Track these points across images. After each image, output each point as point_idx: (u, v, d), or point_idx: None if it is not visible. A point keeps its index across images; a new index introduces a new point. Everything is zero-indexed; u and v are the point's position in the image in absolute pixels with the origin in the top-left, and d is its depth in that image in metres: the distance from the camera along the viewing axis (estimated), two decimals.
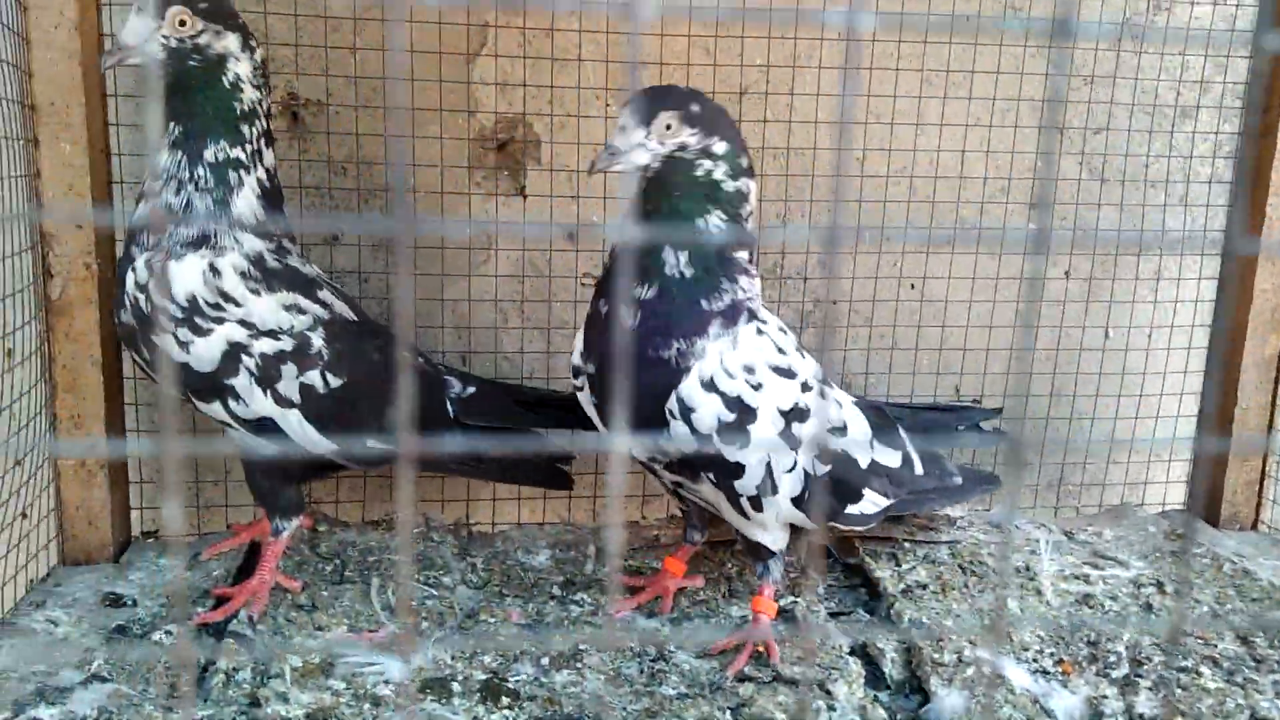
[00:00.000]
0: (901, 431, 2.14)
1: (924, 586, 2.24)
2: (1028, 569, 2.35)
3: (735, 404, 1.77)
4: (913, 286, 2.59)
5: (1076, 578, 2.34)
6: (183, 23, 1.78)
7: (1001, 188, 2.57)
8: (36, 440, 2.08)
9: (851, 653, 1.98)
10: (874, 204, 2.52)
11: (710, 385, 1.77)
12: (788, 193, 2.49)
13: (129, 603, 2.06)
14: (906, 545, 2.39)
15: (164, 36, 1.78)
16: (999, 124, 2.51)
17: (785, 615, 2.12)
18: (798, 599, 2.19)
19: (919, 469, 2.16)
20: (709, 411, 1.76)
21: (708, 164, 1.73)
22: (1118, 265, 2.65)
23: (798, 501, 1.87)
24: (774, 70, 2.42)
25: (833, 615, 2.18)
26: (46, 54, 2.01)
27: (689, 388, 1.77)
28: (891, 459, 2.09)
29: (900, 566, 2.31)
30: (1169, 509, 2.80)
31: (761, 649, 1.94)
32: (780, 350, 1.85)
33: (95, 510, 2.22)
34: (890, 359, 2.61)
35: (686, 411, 1.77)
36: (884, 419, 2.13)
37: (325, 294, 1.98)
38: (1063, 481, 2.77)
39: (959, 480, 2.28)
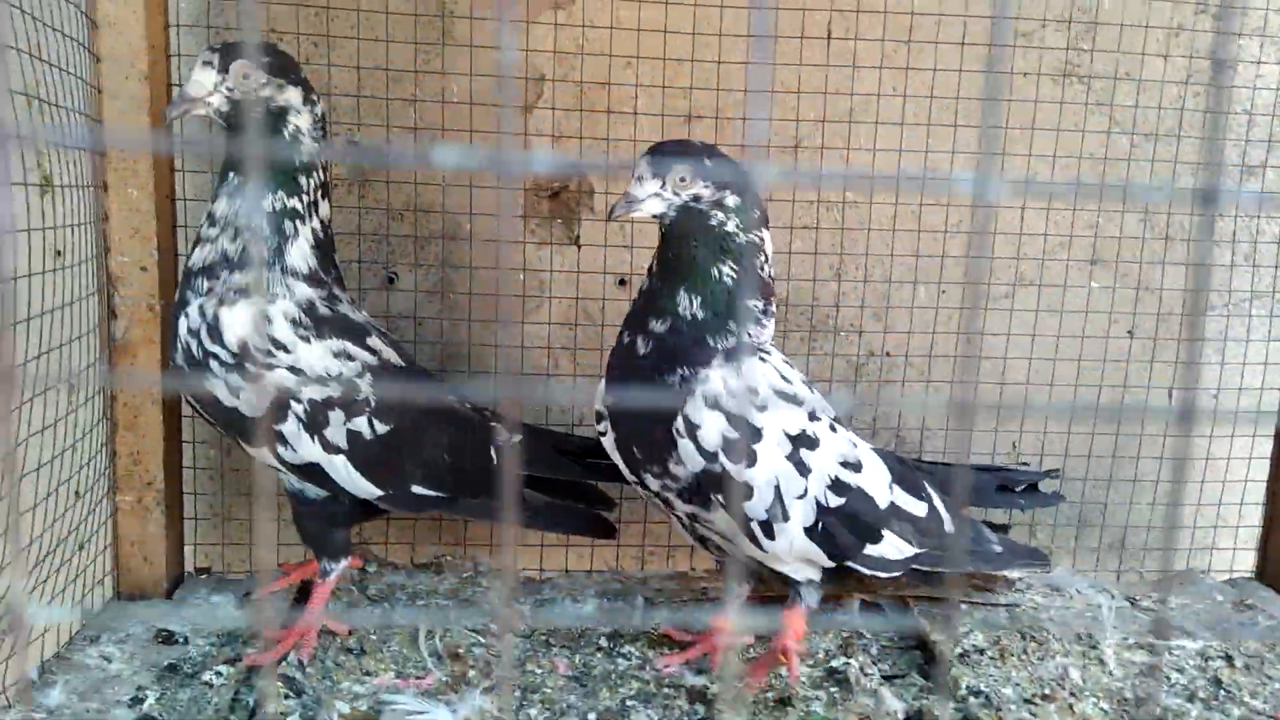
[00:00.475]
0: (929, 487, 2.11)
1: (981, 651, 2.18)
2: (1089, 636, 2.27)
3: (740, 423, 1.82)
4: (968, 340, 2.55)
5: (1141, 647, 2.25)
6: (247, 76, 1.82)
7: (1061, 244, 2.52)
8: (98, 476, 2.12)
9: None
10: (930, 259, 2.49)
11: (714, 404, 1.82)
12: (843, 246, 2.47)
13: (180, 640, 2.08)
14: (963, 607, 2.33)
15: (228, 89, 1.83)
16: (1059, 181, 2.48)
17: (836, 676, 2.07)
18: (850, 659, 2.13)
19: (949, 525, 2.11)
20: (714, 429, 1.81)
21: (720, 215, 1.81)
22: (1183, 325, 2.58)
23: (811, 532, 1.89)
24: (829, 125, 2.41)
25: (886, 679, 2.12)
26: (116, 103, 2.08)
27: (693, 406, 1.82)
28: (916, 507, 2.05)
29: (956, 630, 2.25)
30: (1236, 576, 2.69)
31: (783, 660, 1.99)
32: (784, 378, 1.91)
33: (150, 546, 2.25)
34: (947, 415, 2.57)
35: (692, 429, 1.82)
36: (908, 469, 2.09)
37: (375, 340, 2.00)
38: (1125, 545, 2.69)
39: (998, 549, 2.21)
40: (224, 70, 1.82)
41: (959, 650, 2.17)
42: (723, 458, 1.82)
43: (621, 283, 2.47)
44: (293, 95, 1.88)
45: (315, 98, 1.92)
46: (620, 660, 2.12)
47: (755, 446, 1.84)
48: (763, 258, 1.89)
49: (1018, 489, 2.35)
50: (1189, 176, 2.52)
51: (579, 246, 2.45)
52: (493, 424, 2.15)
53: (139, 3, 2.07)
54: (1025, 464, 2.41)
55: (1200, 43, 2.46)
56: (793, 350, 2.48)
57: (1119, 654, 2.22)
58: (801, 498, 1.88)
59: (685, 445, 1.83)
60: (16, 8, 1.81)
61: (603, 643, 2.19)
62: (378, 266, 2.42)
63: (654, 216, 1.81)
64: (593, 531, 2.25)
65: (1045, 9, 2.42)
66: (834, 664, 2.12)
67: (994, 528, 2.34)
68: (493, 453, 2.10)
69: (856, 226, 2.47)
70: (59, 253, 1.96)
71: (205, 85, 1.82)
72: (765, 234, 1.89)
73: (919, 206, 2.47)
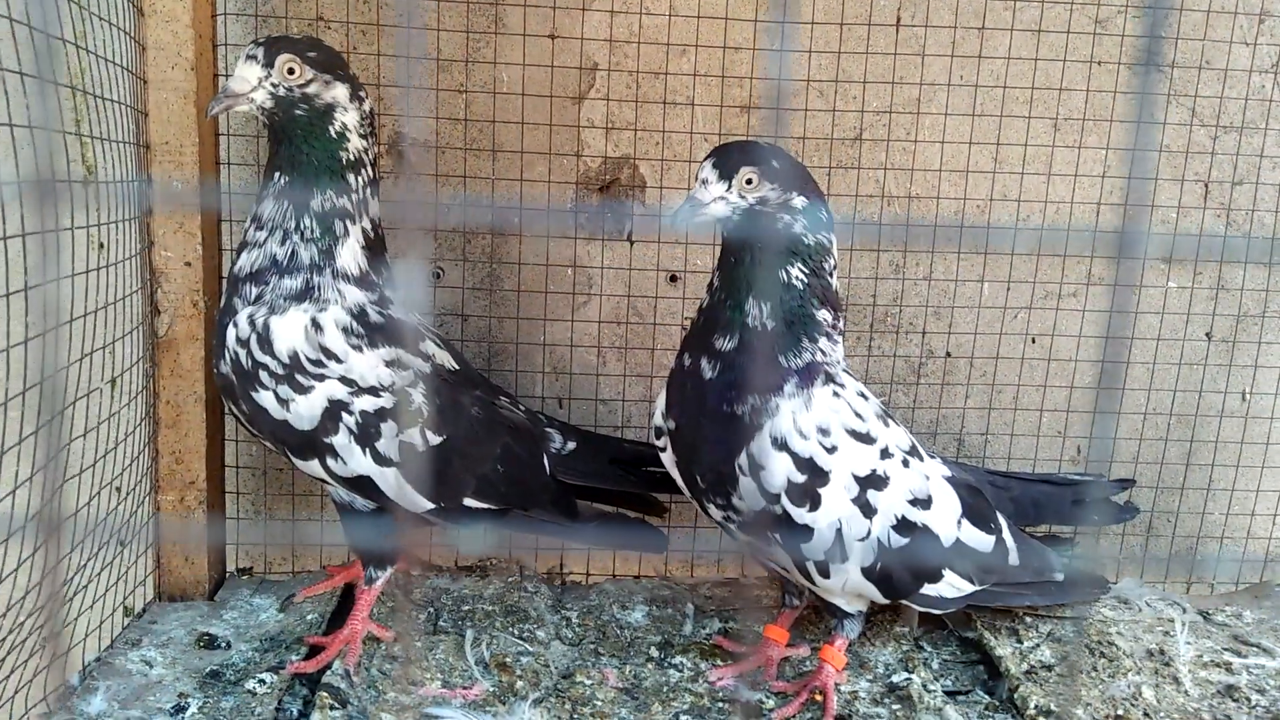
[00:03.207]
0: (1001, 519, 2.02)
1: (1049, 668, 2.08)
2: (1162, 653, 2.16)
3: (806, 465, 1.76)
4: (1033, 341, 2.44)
5: (1217, 665, 2.15)
6: (292, 71, 1.76)
7: (1134, 240, 2.41)
8: (140, 476, 2.07)
9: None
10: (1000, 255, 2.38)
11: (782, 444, 1.75)
12: (906, 243, 2.38)
13: (223, 645, 2.03)
14: (1028, 620, 2.23)
15: (272, 85, 1.76)
16: (1138, 174, 2.36)
17: (898, 692, 1.99)
18: (912, 674, 2.05)
19: (1014, 558, 2.02)
20: (779, 470, 1.75)
21: (788, 218, 1.74)
22: (1264, 327, 2.46)
23: (868, 573, 1.83)
24: (895, 115, 2.31)
25: (949, 695, 2.03)
26: (162, 94, 2.02)
27: (760, 445, 1.75)
28: (982, 542, 1.96)
29: (1022, 644, 2.16)
30: None
31: (819, 698, 1.91)
32: (858, 415, 1.83)
33: (192, 546, 2.21)
34: (1012, 419, 2.46)
35: (756, 469, 1.76)
36: (980, 499, 1.99)
37: (427, 344, 1.94)
38: (1196, 556, 2.57)
39: (1060, 577, 2.12)
40: (269, 65, 1.75)
41: (1025, 666, 2.08)
42: (785, 500, 1.76)
43: (673, 279, 2.39)
44: (339, 91, 1.81)
45: (363, 94, 1.85)
46: (672, 672, 2.05)
47: (820, 490, 1.77)
48: (831, 263, 1.80)
49: (1089, 500, 2.25)
50: (1270, 171, 2.40)
51: (630, 242, 2.37)
52: (547, 430, 2.08)
53: None
54: (1100, 475, 2.31)
55: None
56: (850, 350, 2.39)
57: (1194, 672, 2.11)
58: (864, 540, 1.82)
59: (747, 484, 1.77)
60: None
61: (653, 653, 2.12)
62: (424, 261, 2.35)
63: (719, 220, 1.73)
64: (644, 547, 2.18)
65: None
66: (895, 679, 2.04)
67: (1057, 542, 2.24)
68: (545, 462, 2.03)
69: (920, 222, 2.37)
70: (102, 245, 1.92)
71: (249, 81, 1.76)
72: (833, 237, 1.80)
73: (987, 201, 2.37)
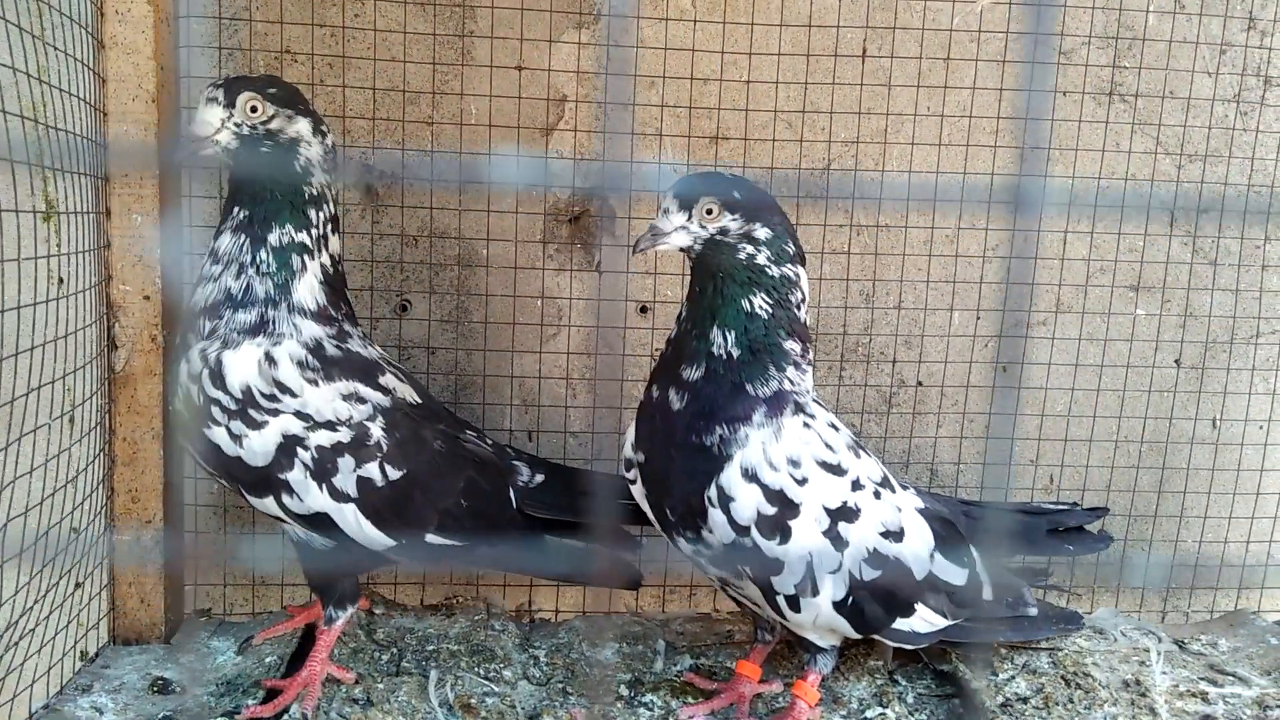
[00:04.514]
0: (973, 551, 1.99)
1: (1025, 700, 2.06)
2: (1138, 683, 2.14)
3: (777, 497, 1.74)
4: (1004, 370, 2.44)
5: (1194, 695, 2.12)
6: (254, 109, 1.74)
7: (1104, 269, 2.42)
8: (95, 514, 2.02)
9: None
10: (968, 284, 2.38)
11: (751, 475, 1.73)
12: (875, 271, 2.37)
13: (177, 689, 1.97)
14: (1004, 651, 2.20)
15: (236, 124, 1.74)
16: (1102, 203, 2.38)
17: None
18: (886, 709, 2.02)
19: (988, 592, 2.00)
20: (749, 503, 1.73)
21: (750, 249, 1.72)
22: (1231, 354, 2.46)
23: (840, 606, 1.81)
24: (862, 145, 2.32)
25: None
26: (122, 126, 1.99)
27: (729, 476, 1.73)
28: (956, 576, 1.94)
29: (997, 676, 2.13)
30: None
31: None
32: (829, 446, 1.81)
33: (148, 587, 2.14)
34: (984, 448, 2.45)
35: (726, 500, 1.74)
36: (953, 532, 1.97)
37: (387, 378, 1.90)
38: (1170, 584, 2.56)
39: (1034, 612, 2.09)
40: (230, 105, 1.73)
41: (1000, 699, 2.05)
42: (755, 533, 1.74)
43: (643, 310, 2.38)
44: (303, 126, 1.79)
45: (325, 128, 1.84)
46: (642, 710, 2.01)
47: (791, 522, 1.75)
48: (799, 295, 1.78)
49: (1063, 529, 2.23)
50: (1236, 199, 2.42)
51: (600, 273, 2.35)
52: (514, 462, 2.04)
53: (148, 23, 1.98)
54: (1075, 503, 2.29)
55: (1251, 60, 2.36)
56: (820, 380, 2.38)
57: (1170, 702, 2.09)
58: (835, 572, 1.79)
59: (716, 515, 1.74)
60: (17, 27, 1.74)
61: (623, 691, 2.07)
62: (390, 294, 2.32)
63: (681, 250, 1.73)
64: (616, 582, 2.13)
65: (1089, 25, 2.32)
66: (869, 714, 2.01)
67: (1033, 573, 2.22)
68: (512, 496, 1.99)
69: (889, 251, 2.37)
70: (61, 280, 1.88)
71: (212, 123, 1.73)
72: (801, 270, 1.78)
73: (955, 230, 2.37)
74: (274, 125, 1.76)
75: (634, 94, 2.27)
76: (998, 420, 2.44)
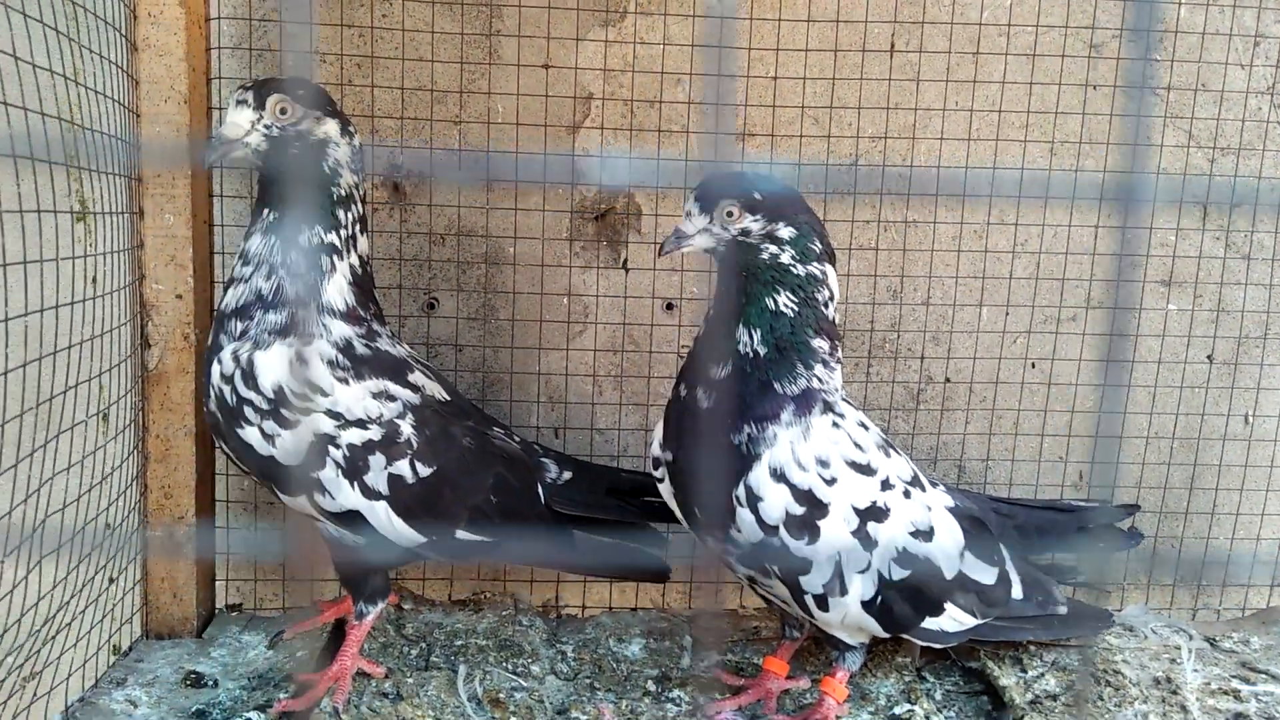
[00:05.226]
0: (1003, 549, 1.98)
1: (1054, 698, 2.04)
2: (1169, 680, 2.12)
3: (805, 497, 1.74)
4: (1033, 365, 2.42)
5: (1225, 693, 2.10)
6: (284, 110, 1.75)
7: (1133, 263, 2.39)
8: (129, 511, 2.05)
9: None
10: (997, 280, 2.37)
11: (780, 475, 1.73)
12: (903, 267, 2.36)
13: (210, 683, 1.99)
14: (1032, 648, 2.19)
15: (265, 126, 1.75)
16: (1134, 197, 2.35)
17: None
18: (914, 706, 2.01)
19: (1017, 591, 1.99)
20: (777, 503, 1.73)
21: (773, 248, 1.72)
22: (1265, 349, 2.43)
23: (869, 606, 1.80)
24: (890, 141, 2.31)
25: None
26: (154, 127, 2.02)
27: (757, 476, 1.74)
28: (985, 575, 1.93)
29: (1026, 673, 2.11)
30: None
31: None
32: (858, 445, 1.81)
33: (180, 582, 2.17)
34: (1013, 445, 2.44)
35: (754, 500, 1.74)
36: (983, 530, 1.96)
37: (416, 376, 1.92)
38: (1201, 580, 2.53)
39: (1064, 611, 2.07)
40: (260, 107, 1.74)
41: (1030, 696, 2.04)
42: (783, 532, 1.74)
43: (669, 307, 2.38)
44: (331, 127, 1.80)
45: (352, 129, 1.85)
46: (670, 706, 2.01)
47: (819, 522, 1.75)
48: (826, 293, 1.78)
49: (1093, 527, 2.21)
50: (1270, 193, 2.39)
51: (627, 271, 2.35)
52: (542, 459, 2.05)
53: (179, 25, 2.01)
54: (1104, 500, 2.27)
55: None
56: (848, 376, 2.37)
57: (1202, 700, 2.07)
58: (864, 572, 1.79)
59: (744, 515, 1.75)
60: (53, 29, 1.76)
61: (651, 686, 2.07)
62: (419, 292, 2.34)
63: (704, 251, 1.74)
64: (644, 575, 2.14)
65: (1120, 18, 2.29)
66: (897, 711, 2.00)
67: (1062, 570, 2.21)
68: (540, 492, 2.00)
69: (917, 247, 2.36)
70: (94, 280, 1.90)
71: (242, 125, 1.74)
72: (829, 268, 1.77)
73: (984, 225, 2.35)
74: (303, 127, 1.77)
75: (661, 91, 2.27)
76: (1026, 416, 2.42)
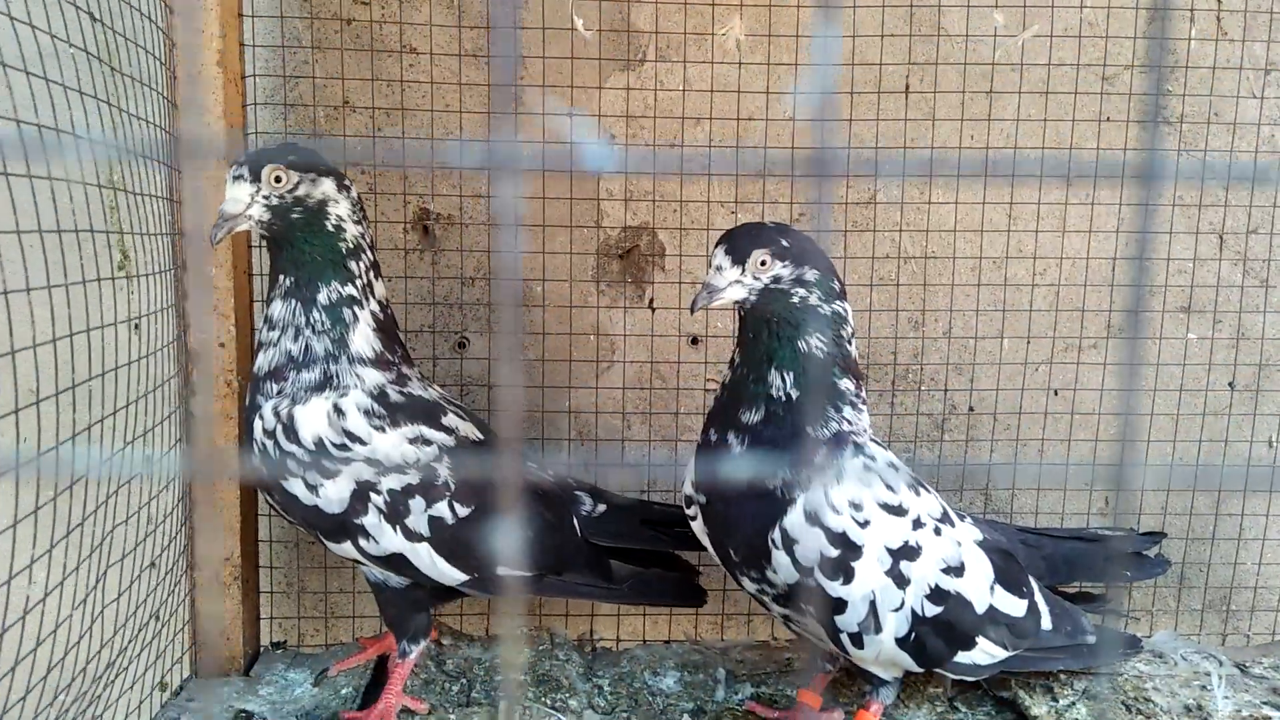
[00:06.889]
0: (1032, 581, 2.01)
1: None
2: (1200, 708, 2.14)
3: (839, 540, 1.77)
4: (1056, 394, 2.45)
5: None
6: (279, 179, 1.79)
7: (1154, 293, 2.42)
8: (178, 555, 2.11)
9: None
10: (1018, 313, 2.41)
11: (814, 519, 1.76)
12: (924, 301, 2.40)
13: None
14: (1063, 677, 2.21)
15: (264, 197, 1.79)
16: (1150, 228, 2.38)
17: None
18: None
19: (1046, 622, 2.01)
20: (812, 545, 1.77)
21: (802, 291, 1.76)
22: None
23: (902, 642, 1.83)
24: (908, 178, 2.35)
25: None
26: (194, 183, 2.09)
27: (793, 520, 1.77)
28: (1015, 607, 1.95)
29: (1058, 701, 2.14)
30: None
31: None
32: (889, 487, 1.84)
33: (227, 621, 2.23)
34: (1038, 474, 2.47)
35: (789, 543, 1.77)
36: (1012, 563, 1.99)
37: (449, 418, 1.97)
38: (1229, 606, 2.55)
39: (1093, 639, 2.09)
40: (255, 179, 1.78)
41: None
42: (818, 574, 1.77)
43: (694, 342, 2.43)
44: (328, 186, 1.84)
45: (348, 182, 1.89)
46: None
47: (854, 564, 1.78)
48: (849, 329, 1.83)
49: (1121, 555, 2.23)
50: None
51: (652, 310, 2.41)
52: (576, 492, 2.11)
53: (218, 85, 2.09)
54: (1131, 528, 2.30)
55: None
56: (872, 408, 2.40)
57: None
58: (897, 610, 1.82)
59: (780, 557, 1.78)
60: (94, 98, 1.83)
61: (685, 719, 2.11)
62: (450, 333, 2.40)
63: (735, 303, 1.78)
64: (682, 600, 2.18)
65: (1132, 54, 2.34)
66: None
67: (1090, 599, 2.23)
68: (576, 525, 2.05)
69: (937, 281, 2.40)
70: (137, 327, 1.97)
71: (242, 200, 1.78)
72: (846, 305, 1.83)
73: (1004, 259, 2.39)
74: (300, 191, 1.81)
75: (681, 134, 2.33)
76: (1050, 445, 2.45)
